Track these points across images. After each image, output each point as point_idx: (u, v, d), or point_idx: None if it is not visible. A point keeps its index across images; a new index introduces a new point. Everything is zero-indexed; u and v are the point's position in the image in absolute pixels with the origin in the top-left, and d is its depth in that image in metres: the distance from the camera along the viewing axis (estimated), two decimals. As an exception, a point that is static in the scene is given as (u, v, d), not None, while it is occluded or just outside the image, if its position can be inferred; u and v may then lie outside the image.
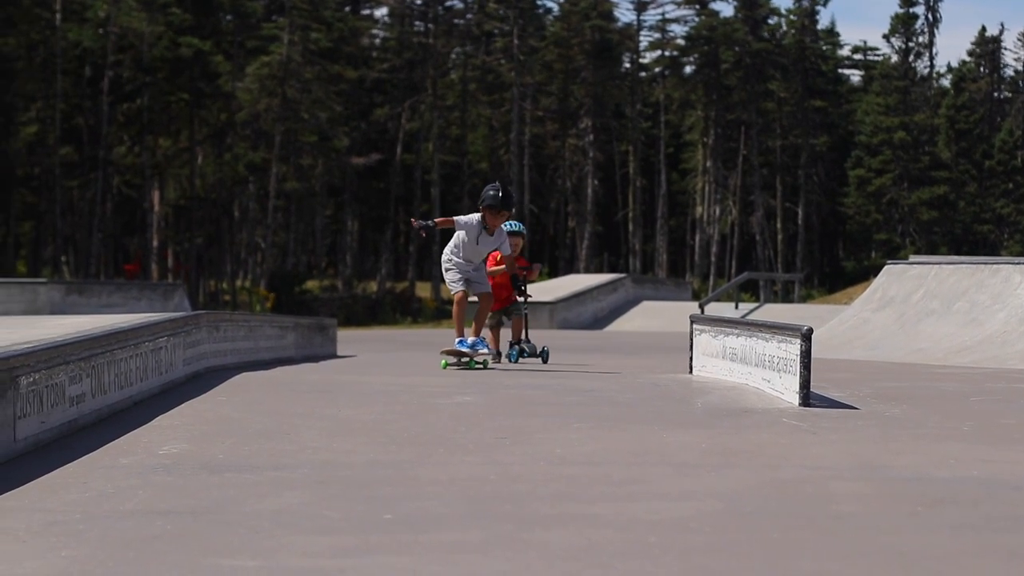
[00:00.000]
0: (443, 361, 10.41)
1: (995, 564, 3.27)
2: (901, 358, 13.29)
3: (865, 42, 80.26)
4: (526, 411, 6.83)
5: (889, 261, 17.63)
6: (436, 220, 10.44)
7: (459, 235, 10.35)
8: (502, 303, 12.17)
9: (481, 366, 10.37)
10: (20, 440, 4.97)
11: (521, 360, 12.05)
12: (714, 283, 62.74)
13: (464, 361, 10.30)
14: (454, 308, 10.40)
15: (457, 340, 10.29)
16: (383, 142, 61.57)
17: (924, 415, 6.85)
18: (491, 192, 10.28)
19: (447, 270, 10.33)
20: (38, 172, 53.88)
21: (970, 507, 4.06)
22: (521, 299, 12.32)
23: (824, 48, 73.59)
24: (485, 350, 10.37)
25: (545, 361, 11.97)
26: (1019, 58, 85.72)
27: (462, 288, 10.25)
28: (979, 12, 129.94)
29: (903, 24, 70.21)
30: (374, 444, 5.45)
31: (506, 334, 12.41)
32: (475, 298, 10.44)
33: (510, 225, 12.41)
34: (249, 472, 4.68)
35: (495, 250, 10.61)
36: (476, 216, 10.31)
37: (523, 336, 12.15)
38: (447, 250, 10.47)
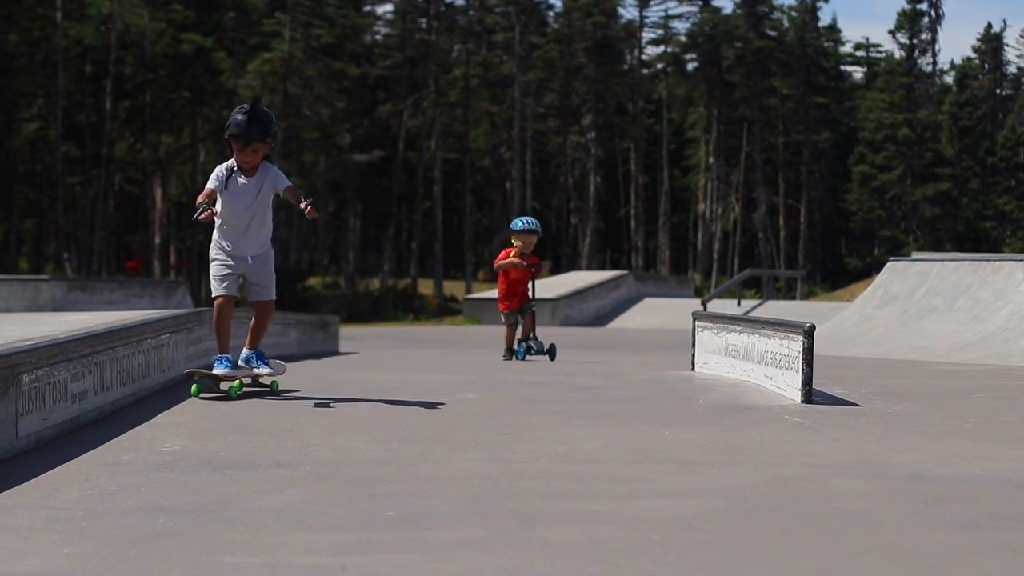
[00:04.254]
0: (194, 387, 7.12)
1: (997, 562, 3.27)
2: (903, 355, 13.28)
3: (867, 39, 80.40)
4: (528, 408, 6.83)
5: (892, 258, 17.64)
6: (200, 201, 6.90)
7: (218, 197, 7.07)
8: (520, 300, 12.15)
9: (269, 387, 7.47)
10: (22, 437, 4.97)
11: (528, 357, 12.06)
12: (716, 280, 62.74)
13: (224, 388, 7.15)
14: (214, 316, 7.20)
15: (215, 357, 7.21)
16: (385, 139, 61.62)
17: (926, 412, 6.84)
18: (237, 116, 6.96)
19: (212, 260, 7.15)
20: (40, 169, 53.96)
21: (972, 504, 4.06)
22: (530, 297, 12.32)
23: (826, 45, 73.59)
24: (265, 370, 7.31)
25: (553, 358, 11.97)
26: (1021, 55, 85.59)
27: (223, 292, 7.10)
28: (982, 9, 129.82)
29: (909, 20, 70.15)
30: (376, 441, 5.45)
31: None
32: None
33: (524, 223, 12.16)
34: (251, 469, 4.68)
35: (267, 193, 7.07)
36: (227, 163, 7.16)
37: (531, 334, 12.16)
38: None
